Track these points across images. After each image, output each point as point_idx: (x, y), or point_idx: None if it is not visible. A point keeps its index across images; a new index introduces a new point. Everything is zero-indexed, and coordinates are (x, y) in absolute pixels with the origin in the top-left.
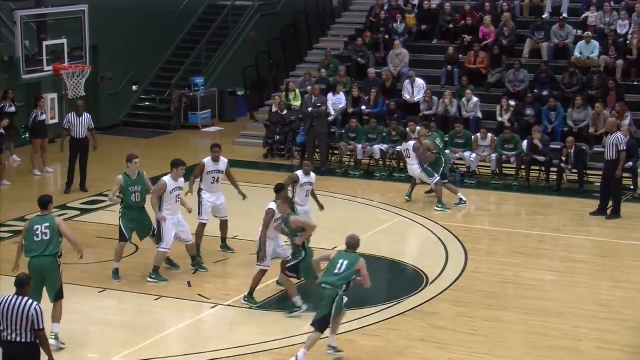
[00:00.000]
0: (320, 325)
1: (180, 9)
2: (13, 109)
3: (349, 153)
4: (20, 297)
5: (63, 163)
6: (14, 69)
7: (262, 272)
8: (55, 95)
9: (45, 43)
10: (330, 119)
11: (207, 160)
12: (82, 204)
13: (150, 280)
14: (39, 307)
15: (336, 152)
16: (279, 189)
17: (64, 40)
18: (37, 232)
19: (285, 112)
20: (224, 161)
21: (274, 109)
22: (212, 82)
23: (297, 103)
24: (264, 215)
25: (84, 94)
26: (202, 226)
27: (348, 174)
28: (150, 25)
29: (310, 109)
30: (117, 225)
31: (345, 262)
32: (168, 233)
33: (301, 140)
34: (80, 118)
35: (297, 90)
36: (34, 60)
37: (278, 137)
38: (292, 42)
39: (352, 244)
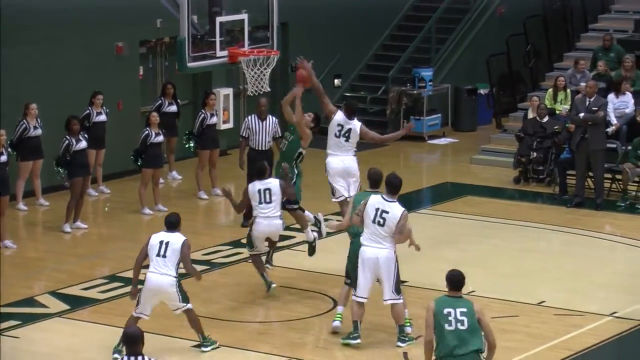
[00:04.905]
0: None
1: None
2: (174, 108)
3: (637, 179)
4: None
5: (238, 183)
6: (176, 55)
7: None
8: (229, 91)
9: (219, 19)
10: (610, 130)
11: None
12: None
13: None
14: None
15: (618, 177)
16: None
17: (245, 16)
18: (450, 319)
19: (546, 119)
20: None
21: (531, 115)
22: (444, 76)
23: (564, 107)
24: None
25: (269, 89)
26: None
27: (635, 209)
28: None
29: (582, 115)
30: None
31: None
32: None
33: (566, 158)
34: (263, 123)
35: (569, 90)
36: (203, 43)
37: (535, 154)
38: (558, 20)
39: None
